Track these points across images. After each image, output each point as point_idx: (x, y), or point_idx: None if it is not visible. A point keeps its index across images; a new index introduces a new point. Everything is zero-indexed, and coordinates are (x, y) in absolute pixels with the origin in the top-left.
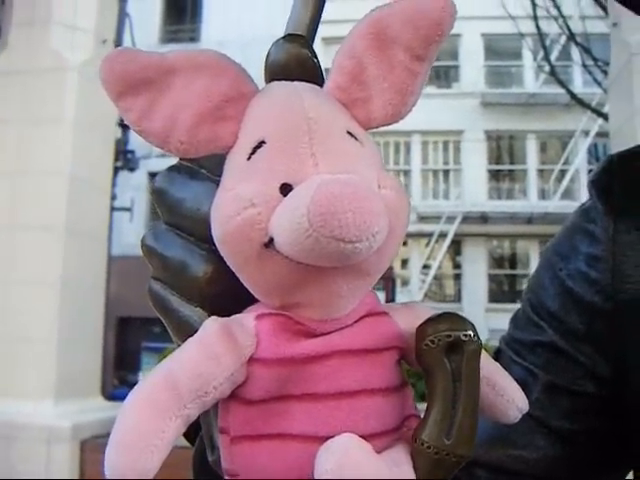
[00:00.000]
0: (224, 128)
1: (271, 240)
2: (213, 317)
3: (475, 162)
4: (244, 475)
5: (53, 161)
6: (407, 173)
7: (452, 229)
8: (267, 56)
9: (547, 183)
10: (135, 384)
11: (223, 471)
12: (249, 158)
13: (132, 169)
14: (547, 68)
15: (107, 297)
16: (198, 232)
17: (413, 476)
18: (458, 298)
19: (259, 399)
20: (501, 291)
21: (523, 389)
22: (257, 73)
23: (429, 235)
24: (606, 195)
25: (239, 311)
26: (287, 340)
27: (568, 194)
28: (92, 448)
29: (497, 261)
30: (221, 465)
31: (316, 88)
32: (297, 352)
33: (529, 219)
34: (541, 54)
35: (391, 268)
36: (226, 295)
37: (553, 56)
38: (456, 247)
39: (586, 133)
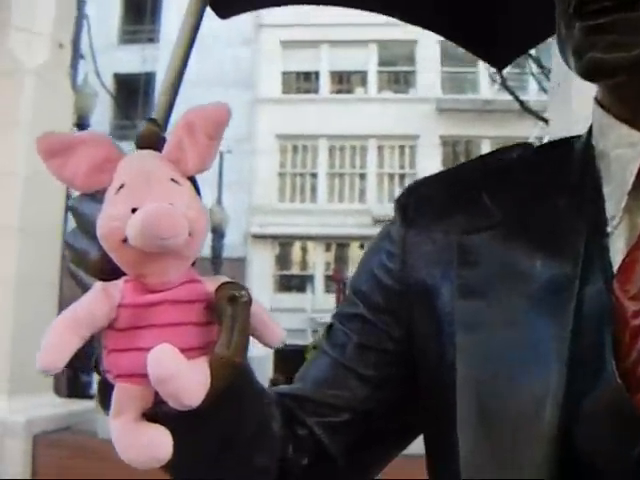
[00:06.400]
0: (104, 176)
1: (126, 239)
2: (99, 282)
3: (430, 166)
4: (115, 372)
5: (7, 162)
6: (363, 177)
7: None
8: (136, 131)
9: None
10: (87, 382)
11: (102, 370)
12: (116, 193)
13: None
14: (499, 76)
15: (61, 295)
16: (95, 233)
17: (204, 370)
18: None
19: (124, 328)
20: None
21: (342, 348)
22: (214, 72)
23: None
24: (402, 210)
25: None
26: (138, 294)
27: None
28: (44, 443)
29: None
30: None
31: (154, 153)
32: (144, 300)
33: None
34: None
35: (341, 271)
36: (110, 271)
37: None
38: None
39: (539, 139)
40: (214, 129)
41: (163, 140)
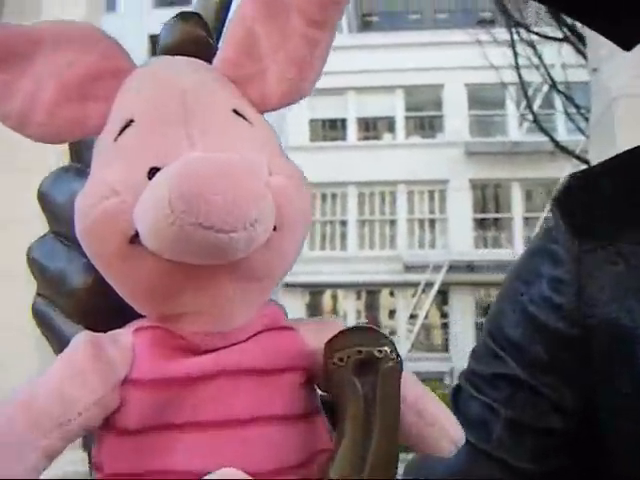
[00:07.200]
0: (92, 108)
1: (136, 235)
2: (85, 331)
3: (461, 211)
4: None
5: (31, 207)
6: (393, 223)
7: (439, 278)
8: (158, 38)
9: (533, 231)
10: None
11: None
12: (116, 139)
13: None
14: (530, 117)
15: None
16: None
17: None
18: (446, 348)
19: (136, 429)
20: None
21: (483, 427)
22: None
23: (415, 285)
24: (568, 214)
25: None
26: (165, 358)
27: None
28: None
29: (485, 310)
30: None
31: (199, 62)
32: (177, 372)
33: None
34: (524, 103)
35: (375, 319)
36: (109, 310)
37: (536, 104)
38: (443, 296)
39: None
40: (322, 7)
41: (213, 49)
